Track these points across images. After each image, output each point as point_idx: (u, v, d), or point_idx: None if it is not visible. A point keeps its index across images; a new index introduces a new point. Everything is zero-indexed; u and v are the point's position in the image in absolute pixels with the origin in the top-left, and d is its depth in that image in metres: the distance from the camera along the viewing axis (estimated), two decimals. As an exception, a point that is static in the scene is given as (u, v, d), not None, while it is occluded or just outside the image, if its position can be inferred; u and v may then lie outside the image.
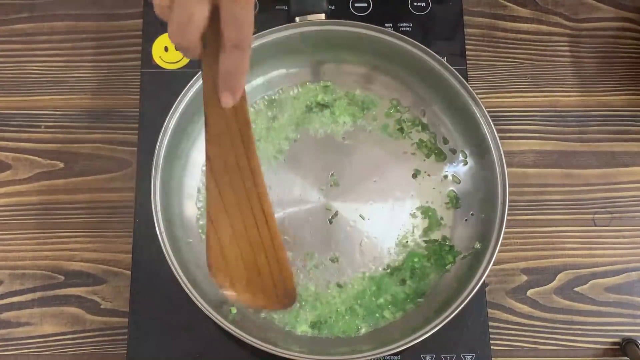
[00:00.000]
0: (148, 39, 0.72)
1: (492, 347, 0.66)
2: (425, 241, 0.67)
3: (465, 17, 0.76)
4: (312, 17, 0.67)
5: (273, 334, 0.64)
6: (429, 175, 0.69)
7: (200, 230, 0.67)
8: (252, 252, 0.57)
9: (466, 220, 0.68)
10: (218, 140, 0.51)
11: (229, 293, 0.59)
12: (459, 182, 0.69)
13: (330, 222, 0.67)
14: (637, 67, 0.77)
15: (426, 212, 0.68)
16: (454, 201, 0.68)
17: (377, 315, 0.65)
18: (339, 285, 0.66)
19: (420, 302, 0.65)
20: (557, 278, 0.70)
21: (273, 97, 0.71)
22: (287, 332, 0.64)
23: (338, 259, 0.67)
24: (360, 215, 0.68)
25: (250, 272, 0.58)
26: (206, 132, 0.50)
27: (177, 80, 0.69)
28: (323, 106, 0.71)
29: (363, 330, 0.64)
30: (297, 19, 0.67)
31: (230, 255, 0.57)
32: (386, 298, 0.65)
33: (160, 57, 0.72)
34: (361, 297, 0.65)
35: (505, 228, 0.62)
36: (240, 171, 0.53)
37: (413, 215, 0.68)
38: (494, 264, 0.61)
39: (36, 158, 0.72)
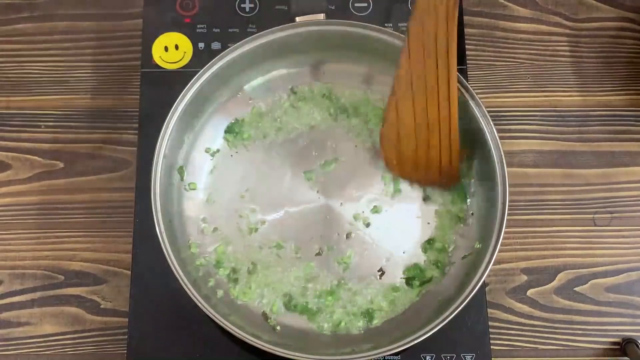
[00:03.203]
0: (148, 39, 0.72)
1: (492, 347, 0.66)
2: (426, 241, 0.67)
3: (465, 17, 0.76)
4: (312, 17, 0.67)
5: (273, 333, 0.64)
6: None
7: (200, 230, 0.67)
8: (427, 130, 0.62)
9: (466, 220, 0.68)
10: (422, 16, 0.56)
11: (391, 163, 0.65)
12: (459, 182, 0.69)
13: (347, 238, 0.67)
14: (637, 67, 0.77)
15: (426, 211, 0.68)
16: (455, 201, 0.68)
17: (377, 312, 0.65)
18: (338, 284, 0.66)
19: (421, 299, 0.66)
20: (557, 278, 0.70)
21: (273, 97, 0.71)
22: (287, 332, 0.64)
23: (338, 258, 0.67)
24: (360, 215, 0.68)
25: (420, 148, 0.63)
26: (413, 6, 0.55)
27: (177, 80, 0.69)
28: (325, 106, 0.71)
29: (361, 326, 0.64)
30: (297, 19, 0.67)
31: (404, 129, 0.62)
32: (386, 295, 0.65)
33: (160, 57, 0.72)
34: (361, 294, 0.65)
35: (505, 228, 0.62)
36: (436, 50, 0.58)
37: (413, 219, 0.68)
38: (494, 264, 0.61)
39: (36, 158, 0.72)
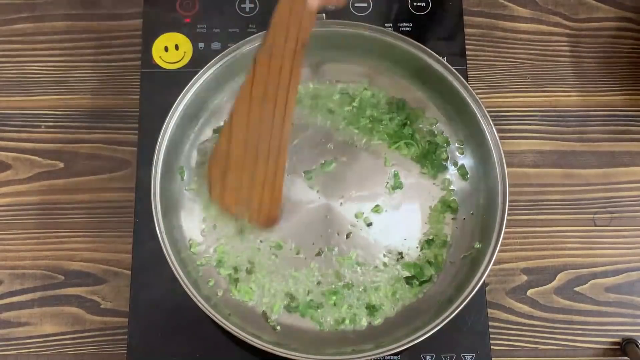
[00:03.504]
0: (148, 39, 0.72)
1: (492, 347, 0.66)
2: (425, 241, 0.67)
3: (465, 17, 0.76)
4: (312, 17, 0.67)
5: (273, 333, 0.64)
6: (428, 174, 0.69)
7: (200, 230, 0.67)
8: (254, 166, 0.62)
9: (466, 220, 0.68)
10: (270, 50, 0.56)
11: (215, 192, 0.64)
12: (460, 182, 0.69)
13: (348, 237, 0.67)
14: (637, 67, 0.77)
15: (426, 211, 0.68)
16: (454, 201, 0.68)
17: (377, 312, 0.65)
18: (339, 284, 0.66)
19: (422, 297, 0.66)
20: (557, 278, 0.70)
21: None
22: (287, 332, 0.64)
23: (338, 258, 0.67)
24: (360, 215, 0.68)
25: (244, 183, 0.62)
26: (265, 37, 0.56)
27: (177, 80, 0.69)
28: (325, 106, 0.71)
29: (362, 326, 0.65)
30: (297, 19, 0.67)
31: (234, 155, 0.62)
32: (386, 292, 0.66)
33: (160, 57, 0.72)
34: (361, 293, 0.66)
35: (505, 228, 0.62)
36: (277, 86, 0.58)
37: (413, 219, 0.68)
38: (494, 264, 0.61)
39: (36, 158, 0.72)
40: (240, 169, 0.62)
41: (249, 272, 0.66)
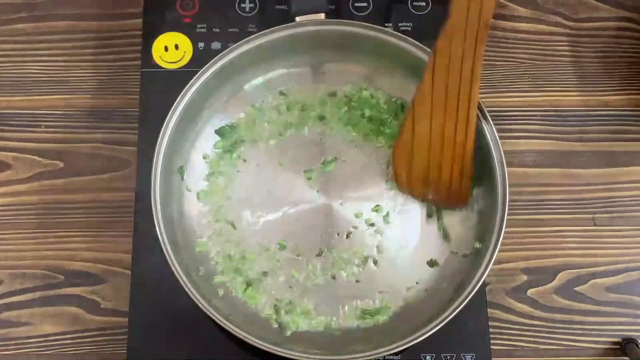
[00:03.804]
0: (148, 39, 0.72)
1: (492, 347, 0.66)
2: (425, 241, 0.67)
3: (465, 17, 0.75)
4: (312, 17, 0.67)
5: (273, 333, 0.64)
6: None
7: (200, 230, 0.67)
8: (441, 150, 0.62)
9: (466, 220, 0.68)
10: (452, 35, 0.56)
11: (401, 179, 0.66)
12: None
13: (348, 237, 0.67)
14: (637, 67, 0.77)
15: (425, 211, 0.68)
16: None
17: (378, 311, 0.65)
18: (339, 284, 0.66)
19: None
20: (557, 278, 0.70)
21: (274, 97, 0.71)
22: (288, 332, 0.64)
23: (338, 258, 0.67)
24: (360, 215, 0.68)
25: (432, 168, 0.63)
26: (444, 23, 0.56)
27: (177, 80, 0.69)
28: (325, 106, 0.71)
29: (363, 325, 0.65)
30: (297, 19, 0.67)
31: (419, 146, 0.63)
32: (387, 293, 0.66)
33: (160, 57, 0.72)
34: (361, 294, 0.66)
35: (505, 228, 0.62)
36: (461, 71, 0.58)
37: (413, 219, 0.68)
38: (494, 264, 0.61)
39: (36, 158, 0.72)
40: (426, 156, 0.64)
41: (250, 272, 0.66)
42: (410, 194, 0.68)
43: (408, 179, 0.67)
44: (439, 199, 0.67)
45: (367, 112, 0.70)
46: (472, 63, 0.57)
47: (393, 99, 0.71)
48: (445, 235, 0.67)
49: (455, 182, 0.65)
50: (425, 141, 0.63)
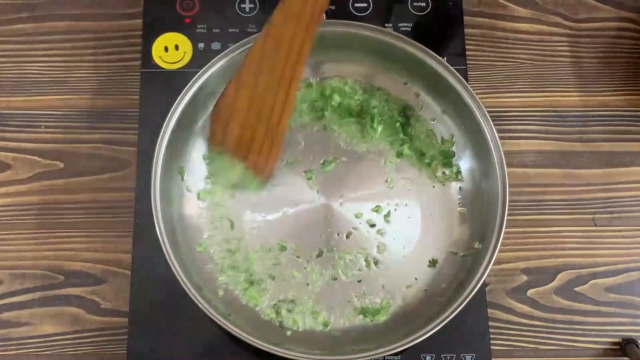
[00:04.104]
0: (148, 39, 0.72)
1: (492, 347, 0.66)
2: (425, 241, 0.67)
3: (465, 17, 0.76)
4: (312, 17, 0.67)
5: (273, 334, 0.64)
6: (428, 174, 0.69)
7: (200, 230, 0.67)
8: (257, 121, 0.62)
9: (466, 220, 0.68)
10: (286, 12, 0.57)
11: (216, 137, 0.64)
12: (460, 182, 0.69)
13: (348, 238, 0.67)
14: (637, 67, 0.77)
15: (425, 211, 0.68)
16: (454, 201, 0.68)
17: (378, 310, 0.65)
18: (339, 284, 0.66)
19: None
20: (557, 278, 0.70)
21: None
22: (288, 332, 0.64)
23: (338, 258, 0.67)
24: (360, 216, 0.68)
25: (244, 136, 0.63)
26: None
27: (177, 80, 0.69)
28: (325, 106, 0.71)
29: (363, 325, 0.65)
30: (297, 19, 0.67)
31: (238, 109, 0.62)
32: (387, 292, 0.66)
33: (160, 57, 0.72)
34: (361, 294, 0.66)
35: (505, 228, 0.62)
36: (289, 48, 0.58)
37: (413, 219, 0.68)
38: (494, 264, 0.61)
39: (36, 158, 0.72)
40: (244, 121, 0.63)
41: (250, 272, 0.66)
42: (223, 150, 0.65)
43: (222, 139, 0.65)
44: (247, 164, 0.65)
45: (368, 112, 0.70)
46: (300, 47, 0.58)
47: (393, 99, 0.71)
48: (445, 235, 0.67)
49: (263, 156, 0.64)
50: (244, 109, 0.62)
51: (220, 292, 0.65)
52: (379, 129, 0.70)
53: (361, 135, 0.70)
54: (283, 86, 0.61)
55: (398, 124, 0.70)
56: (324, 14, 0.67)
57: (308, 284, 0.66)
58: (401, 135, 0.70)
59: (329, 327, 0.65)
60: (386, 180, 0.69)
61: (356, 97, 0.70)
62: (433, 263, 0.67)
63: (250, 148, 0.64)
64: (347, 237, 0.67)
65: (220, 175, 0.67)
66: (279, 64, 0.60)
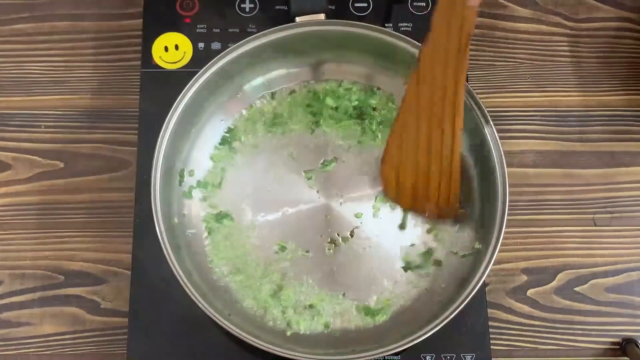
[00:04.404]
0: (148, 39, 0.72)
1: (492, 347, 0.66)
2: (425, 241, 0.67)
3: (465, 17, 0.75)
4: (312, 17, 0.67)
5: (273, 333, 0.64)
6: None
7: (202, 228, 0.67)
8: (427, 160, 0.62)
9: (466, 220, 0.68)
10: (434, 47, 0.56)
11: (390, 192, 0.66)
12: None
13: (348, 237, 0.67)
14: (637, 67, 0.77)
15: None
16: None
17: (377, 309, 0.65)
18: (339, 284, 0.66)
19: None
20: (557, 278, 0.70)
21: (274, 97, 0.71)
22: (288, 332, 0.64)
23: (338, 257, 0.67)
24: (360, 215, 0.68)
25: (419, 178, 0.63)
26: (429, 33, 0.56)
27: (177, 80, 0.69)
28: (325, 106, 0.71)
29: (364, 325, 0.65)
30: (297, 19, 0.67)
31: (405, 158, 0.63)
32: (388, 292, 0.66)
33: (160, 57, 0.72)
34: (361, 294, 0.66)
35: (505, 228, 0.62)
36: (445, 80, 0.57)
37: (413, 215, 0.68)
38: (494, 264, 0.61)
39: (36, 158, 0.72)
40: (414, 169, 0.63)
41: (249, 271, 0.66)
42: (400, 204, 0.68)
43: (397, 191, 0.66)
44: (428, 211, 0.67)
45: (368, 112, 0.70)
46: (455, 74, 0.57)
47: (393, 99, 0.71)
48: (445, 234, 0.67)
49: (443, 196, 0.65)
50: (412, 154, 0.63)
51: (221, 292, 0.65)
52: (380, 134, 0.69)
53: (361, 135, 0.70)
54: (448, 119, 0.59)
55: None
56: (324, 15, 0.67)
57: (308, 284, 0.66)
58: None
59: (329, 327, 0.65)
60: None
61: (353, 98, 0.70)
62: (436, 263, 0.67)
63: (426, 198, 0.65)
64: (347, 237, 0.67)
65: None
66: (438, 98, 0.59)
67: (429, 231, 0.68)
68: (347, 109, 0.70)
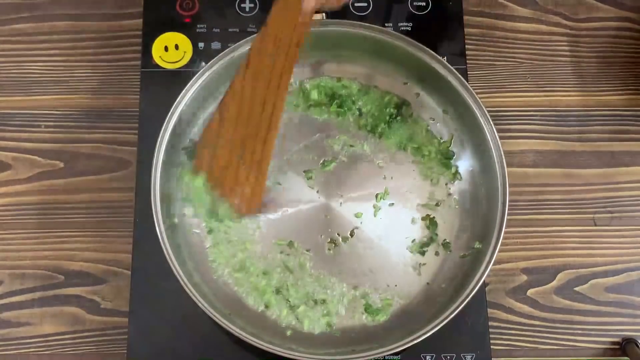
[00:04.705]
0: (148, 39, 0.72)
1: (492, 347, 0.66)
2: (425, 241, 0.67)
3: (465, 17, 0.76)
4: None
5: (273, 333, 0.64)
6: (428, 175, 0.69)
7: (201, 228, 0.67)
8: (239, 159, 0.61)
9: (466, 220, 0.68)
10: (267, 40, 0.56)
11: (197, 169, 0.64)
12: (459, 182, 0.69)
13: (348, 237, 0.67)
14: (637, 67, 0.77)
15: (426, 211, 0.68)
16: (455, 200, 0.68)
17: (377, 309, 0.65)
18: (340, 284, 0.66)
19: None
20: (557, 278, 0.70)
21: None
22: (288, 332, 0.64)
23: (338, 257, 0.67)
24: (359, 215, 0.68)
25: (232, 165, 0.62)
26: (263, 27, 0.55)
27: (177, 80, 0.69)
28: (324, 106, 0.71)
29: (363, 326, 0.65)
30: (297, 19, 0.67)
31: (221, 145, 0.62)
32: (387, 292, 0.66)
33: (160, 57, 0.72)
34: (361, 293, 0.66)
35: (505, 228, 0.62)
36: (269, 80, 0.57)
37: (413, 219, 0.68)
38: (494, 264, 0.61)
39: (36, 158, 0.72)
40: (229, 150, 0.62)
41: (249, 271, 0.66)
42: (209, 182, 0.65)
43: (209, 165, 0.64)
44: (232, 200, 0.65)
45: (368, 112, 0.70)
46: (280, 73, 0.57)
47: (393, 99, 0.71)
48: (445, 234, 0.67)
49: (248, 188, 0.64)
50: (227, 144, 0.62)
51: (221, 292, 0.65)
52: (386, 131, 0.69)
53: (361, 135, 0.70)
54: (263, 126, 0.60)
55: (388, 117, 0.70)
56: (324, 14, 0.67)
57: (308, 284, 0.66)
58: (400, 135, 0.70)
59: (329, 327, 0.65)
60: (385, 180, 0.69)
61: (330, 84, 0.71)
62: (435, 262, 0.67)
63: (237, 178, 0.63)
64: (347, 237, 0.67)
65: (194, 200, 0.66)
66: (261, 90, 0.58)
67: (428, 227, 0.68)
68: (327, 93, 0.70)
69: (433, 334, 0.59)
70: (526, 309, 0.69)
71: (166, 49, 0.72)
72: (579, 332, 0.69)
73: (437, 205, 0.68)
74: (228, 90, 0.61)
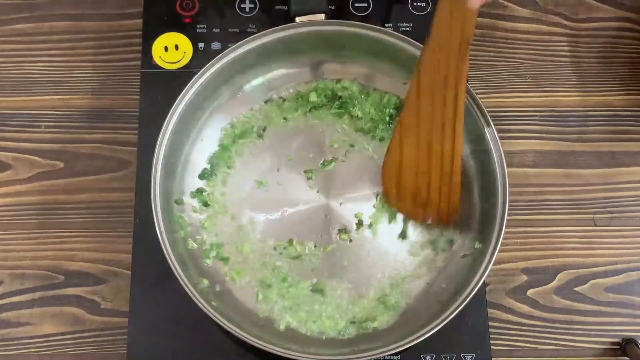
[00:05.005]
0: (148, 39, 0.72)
1: (492, 347, 0.66)
2: (425, 241, 0.67)
3: (465, 17, 0.75)
4: (312, 17, 0.67)
5: (273, 334, 0.64)
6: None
7: (201, 230, 0.67)
8: (428, 165, 0.62)
9: (465, 220, 0.68)
10: (436, 50, 0.56)
11: (391, 198, 0.66)
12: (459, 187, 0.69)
13: (351, 235, 0.67)
14: (637, 67, 0.77)
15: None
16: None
17: (377, 310, 0.65)
18: (340, 284, 0.66)
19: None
20: (557, 278, 0.70)
21: (274, 97, 0.71)
22: (288, 332, 0.64)
23: (338, 257, 0.67)
24: (360, 215, 0.68)
25: (420, 184, 0.63)
26: (429, 38, 0.55)
27: (177, 80, 0.69)
28: (324, 106, 0.71)
29: (363, 326, 0.65)
30: (297, 19, 0.67)
31: (406, 163, 0.63)
32: (388, 292, 0.66)
33: (160, 57, 0.72)
34: (361, 293, 0.66)
35: (505, 228, 0.62)
36: (445, 87, 0.57)
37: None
38: (494, 264, 0.61)
39: (36, 158, 0.72)
40: (415, 175, 0.63)
41: (250, 271, 0.66)
42: (400, 211, 0.67)
43: (397, 196, 0.66)
44: (429, 218, 0.66)
45: (368, 112, 0.70)
46: (455, 79, 0.57)
47: (393, 99, 0.71)
48: (445, 234, 0.67)
49: (443, 201, 0.64)
50: (413, 160, 0.63)
51: (221, 292, 0.65)
52: (380, 128, 0.69)
53: (361, 135, 0.70)
54: (448, 124, 0.59)
55: (388, 117, 0.70)
56: (324, 15, 0.67)
57: (308, 284, 0.66)
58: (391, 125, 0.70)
59: (329, 327, 0.65)
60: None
61: (330, 86, 0.70)
62: (433, 262, 0.67)
63: (427, 204, 0.64)
64: (347, 237, 0.67)
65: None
66: (439, 103, 0.58)
67: (427, 227, 0.68)
68: (327, 95, 0.70)
69: (433, 334, 0.59)
70: (526, 309, 0.69)
71: (166, 49, 0.72)
72: (579, 332, 0.69)
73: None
74: (403, 108, 0.61)
